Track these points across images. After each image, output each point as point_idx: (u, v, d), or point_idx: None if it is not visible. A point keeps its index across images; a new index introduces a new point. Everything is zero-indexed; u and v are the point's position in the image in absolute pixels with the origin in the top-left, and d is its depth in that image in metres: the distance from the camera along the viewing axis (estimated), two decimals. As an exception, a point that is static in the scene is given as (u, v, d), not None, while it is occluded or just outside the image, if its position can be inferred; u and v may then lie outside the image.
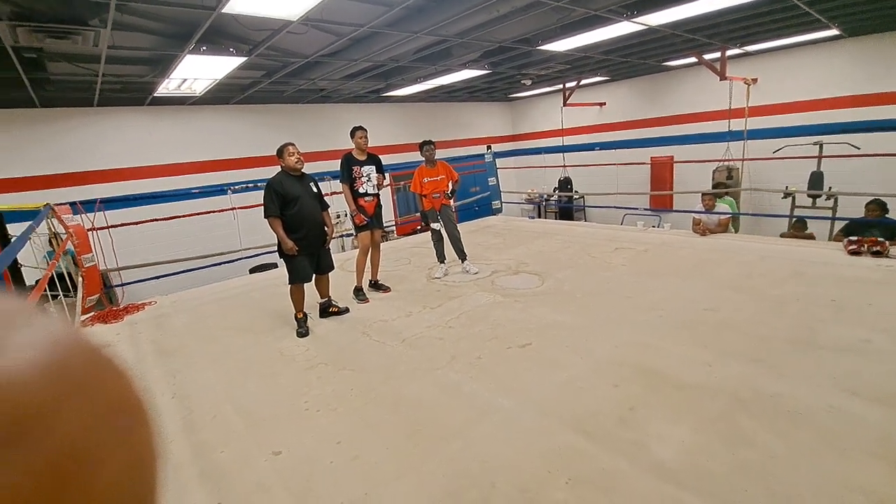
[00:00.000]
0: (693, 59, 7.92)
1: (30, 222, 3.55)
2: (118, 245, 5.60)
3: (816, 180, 7.12)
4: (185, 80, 5.89)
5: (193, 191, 7.68)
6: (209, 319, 4.31)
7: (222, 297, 4.95)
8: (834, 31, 6.70)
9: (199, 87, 6.41)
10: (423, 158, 4.89)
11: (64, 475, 0.13)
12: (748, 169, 8.32)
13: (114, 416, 0.15)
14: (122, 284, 5.83)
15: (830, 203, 6.79)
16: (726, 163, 8.30)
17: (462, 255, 4.98)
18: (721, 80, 7.53)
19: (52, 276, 3.00)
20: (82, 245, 4.02)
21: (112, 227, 5.44)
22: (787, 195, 7.19)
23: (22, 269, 4.38)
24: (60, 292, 3.55)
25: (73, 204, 4.79)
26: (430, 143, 4.87)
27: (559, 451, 2.07)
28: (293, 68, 6.05)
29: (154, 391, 2.96)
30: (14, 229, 4.60)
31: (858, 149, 6.68)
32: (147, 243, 7.06)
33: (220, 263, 6.12)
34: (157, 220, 6.30)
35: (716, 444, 2.01)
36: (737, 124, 8.58)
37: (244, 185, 7.46)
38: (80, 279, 3.84)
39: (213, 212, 6.89)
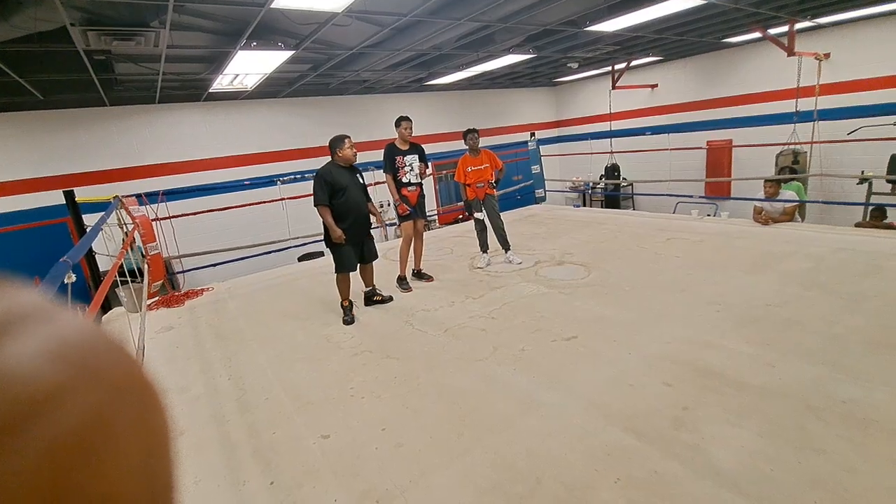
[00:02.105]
0: (757, 35, 7.33)
1: (102, 213, 3.82)
2: (178, 234, 5.94)
3: (898, 164, 6.46)
4: (237, 75, 6.11)
5: (245, 182, 8.01)
6: (261, 305, 4.50)
7: (272, 285, 5.15)
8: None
9: (249, 82, 6.64)
10: (467, 147, 4.84)
11: (77, 455, 0.13)
12: (818, 152, 7.67)
13: (125, 398, 0.16)
14: (183, 271, 6.20)
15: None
16: (792, 146, 7.69)
17: (506, 245, 4.91)
18: (789, 56, 6.94)
19: (122, 263, 3.23)
20: (147, 234, 4.29)
21: (173, 217, 5.78)
22: (862, 181, 6.58)
23: (96, 256, 4.74)
24: (129, 278, 3.82)
25: (138, 196, 5.12)
26: (473, 131, 4.82)
27: (608, 450, 2.00)
28: (338, 60, 6.14)
29: (213, 372, 3.13)
30: (88, 220, 4.99)
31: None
32: (204, 232, 7.45)
33: (270, 252, 6.37)
34: (212, 210, 6.63)
35: (781, 451, 1.88)
36: (805, 104, 7.90)
37: (293, 176, 7.70)
38: (146, 266, 4.11)
39: (264, 202, 7.16)
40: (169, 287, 5.69)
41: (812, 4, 6.05)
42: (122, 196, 4.56)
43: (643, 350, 2.82)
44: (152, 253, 4.17)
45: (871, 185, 6.54)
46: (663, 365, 2.62)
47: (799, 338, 2.75)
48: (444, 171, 11.09)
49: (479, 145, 4.86)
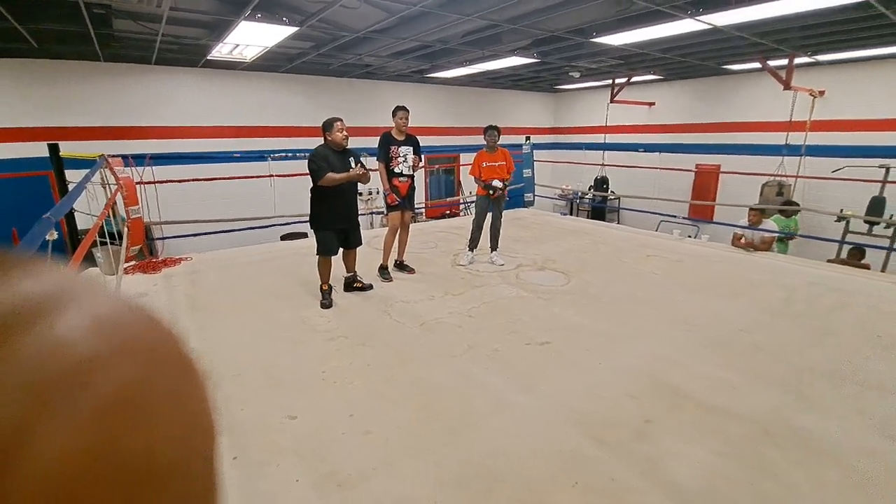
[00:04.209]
0: (756, 65, 7.49)
1: (85, 170, 3.72)
2: (162, 200, 5.82)
3: (877, 206, 6.68)
4: (237, 45, 5.99)
5: (235, 154, 7.87)
6: (239, 280, 4.44)
7: (253, 261, 5.09)
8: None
9: (249, 54, 6.52)
10: (485, 143, 4.82)
11: (117, 423, 0.14)
12: (802, 186, 7.88)
13: (162, 370, 0.16)
14: (163, 238, 6.07)
15: (889, 232, 6.37)
16: (778, 178, 7.89)
17: (494, 245, 4.95)
18: (785, 89, 7.10)
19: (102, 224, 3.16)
20: (130, 197, 4.19)
21: (159, 182, 5.65)
22: (840, 219, 6.79)
23: (75, 214, 4.61)
24: (108, 240, 3.73)
25: (125, 157, 4.99)
26: (494, 128, 4.78)
27: (570, 454, 2.04)
28: (342, 42, 6.06)
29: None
30: (70, 175, 4.85)
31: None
32: (187, 201, 7.31)
33: (253, 228, 6.28)
34: (199, 179, 6.50)
35: (735, 471, 1.94)
36: (795, 138, 8.11)
37: (284, 154, 7.59)
38: (126, 229, 4.01)
39: (252, 177, 7.05)
40: (147, 253, 5.57)
41: (813, 41, 6.20)
42: (109, 155, 4.44)
43: (613, 361, 2.88)
44: (134, 217, 4.07)
45: (848, 223, 6.75)
46: (631, 378, 2.68)
47: (764, 364, 2.83)
48: (437, 166, 11.08)
49: (497, 142, 4.84)
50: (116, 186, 4.12)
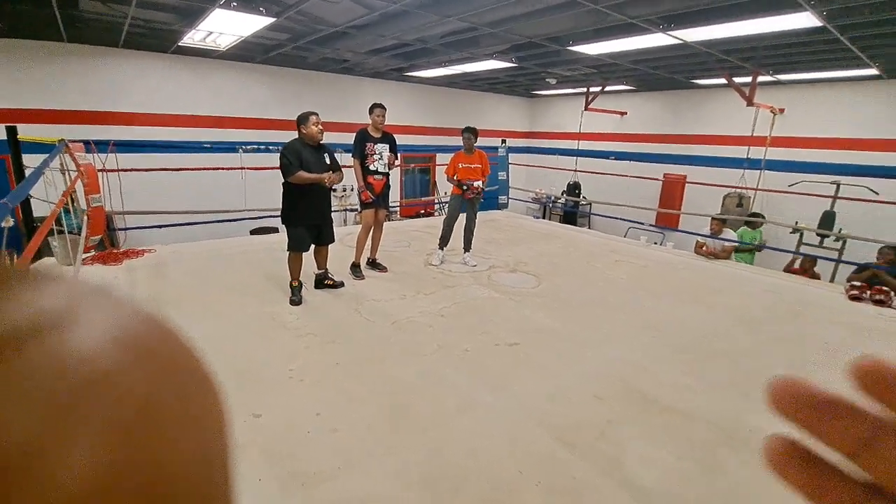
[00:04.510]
0: (722, 81, 7.81)
1: (45, 156, 3.54)
2: (125, 188, 5.59)
3: (828, 220, 7.07)
4: (210, 33, 5.83)
5: (205, 145, 7.64)
6: (206, 275, 4.32)
7: (221, 255, 4.96)
8: (873, 71, 6.59)
9: (223, 42, 6.35)
10: (462, 144, 4.83)
11: (129, 433, 0.14)
12: (761, 198, 8.26)
13: (182, 382, 0.16)
14: (126, 229, 5.84)
15: (838, 245, 6.76)
16: (739, 190, 8.25)
17: (467, 246, 4.98)
18: (748, 105, 7.43)
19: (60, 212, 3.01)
20: (91, 184, 4.01)
21: (122, 170, 5.43)
22: (795, 231, 7.16)
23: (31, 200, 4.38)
24: (65, 228, 3.56)
25: (87, 143, 4.77)
26: (471, 131, 4.79)
27: (535, 454, 2.09)
28: (320, 36, 5.98)
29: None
30: (28, 160, 4.60)
31: (877, 194, 6.63)
32: (153, 191, 7.05)
33: (222, 221, 6.12)
34: (166, 169, 6.29)
35: (692, 471, 2.03)
36: (756, 152, 8.50)
37: (256, 146, 7.42)
38: (86, 218, 3.84)
39: (222, 169, 6.86)
40: (108, 243, 5.35)
41: (775, 61, 6.51)
42: (69, 140, 4.24)
43: (580, 364, 2.95)
44: (94, 205, 3.91)
45: (802, 235, 7.12)
46: (597, 380, 2.75)
47: (722, 369, 2.96)
48: (413, 165, 11.06)
49: (474, 145, 4.86)
50: (77, 173, 3.95)
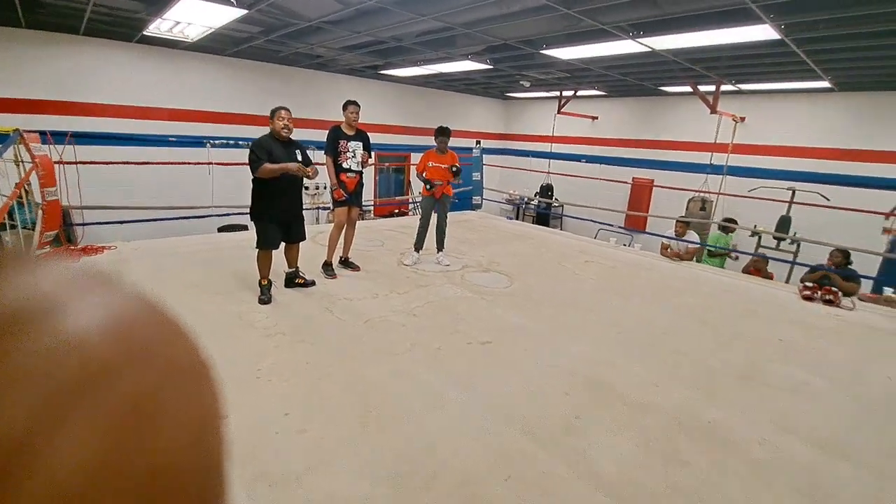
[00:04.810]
0: (688, 88, 8.09)
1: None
2: (84, 182, 5.35)
3: (784, 224, 7.43)
4: (178, 23, 5.64)
5: (170, 138, 7.40)
6: (170, 273, 4.19)
7: (187, 252, 4.81)
8: (826, 84, 6.96)
9: (192, 33, 6.16)
10: (435, 145, 4.82)
11: (128, 431, 0.13)
12: (722, 203, 8.61)
13: (179, 376, 0.16)
14: (84, 224, 5.59)
15: (793, 248, 7.10)
16: (702, 194, 8.57)
17: (441, 246, 5.00)
18: (711, 113, 7.73)
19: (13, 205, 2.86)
20: (47, 177, 3.82)
21: (81, 163, 5.19)
22: (754, 234, 7.49)
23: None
24: (18, 223, 3.38)
25: (43, 133, 4.54)
26: (445, 133, 4.78)
27: (504, 449, 2.12)
28: (293, 30, 5.88)
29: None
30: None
31: (828, 200, 7.01)
32: (114, 185, 6.77)
33: (188, 218, 5.93)
34: (128, 163, 6.06)
35: (653, 462, 2.10)
36: (718, 158, 8.85)
37: (225, 141, 7.23)
38: (40, 212, 3.65)
39: (189, 164, 6.66)
40: (64, 239, 5.10)
41: (738, 70, 6.80)
42: (25, 130, 4.02)
43: (549, 360, 3.01)
44: (50, 199, 3.72)
45: (760, 238, 7.45)
46: (565, 376, 2.81)
47: (681, 364, 3.08)
48: (387, 164, 11.00)
49: (448, 146, 4.86)
50: (32, 165, 3.75)
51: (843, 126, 7.72)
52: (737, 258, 6.60)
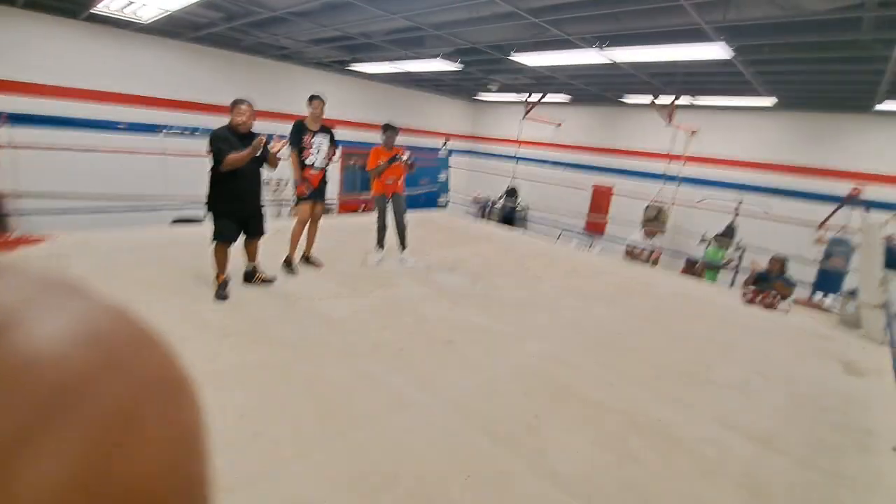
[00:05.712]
0: (648, 100, 8.44)
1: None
2: (21, 168, 4.98)
3: (729, 232, 7.89)
4: (131, 2, 5.34)
5: (120, 125, 6.99)
6: (117, 268, 3.95)
7: (136, 246, 4.56)
8: (770, 102, 7.44)
9: (146, 15, 5.84)
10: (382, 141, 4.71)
11: (105, 445, 0.13)
12: (675, 211, 9.03)
13: (155, 389, 0.15)
14: (21, 214, 5.19)
15: (738, 254, 7.55)
16: (658, 202, 8.97)
17: (403, 245, 4.95)
18: (667, 124, 8.10)
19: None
20: (-25, 161, 3.53)
21: (18, 147, 4.82)
22: (703, 241, 7.91)
23: None
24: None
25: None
26: (392, 129, 4.65)
27: (463, 449, 2.13)
28: (257, 19, 5.70)
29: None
30: None
31: (769, 210, 7.49)
32: (55, 172, 6.32)
33: (139, 210, 5.63)
34: (72, 149, 5.68)
35: (607, 459, 2.17)
36: (673, 168, 9.28)
37: (181, 131, 6.91)
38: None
39: (141, 152, 6.31)
40: (-5, 228, 4.73)
41: (692, 86, 7.16)
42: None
43: (510, 360, 3.06)
44: (-20, 184, 3.44)
45: (708, 244, 7.88)
46: (525, 376, 2.87)
47: (634, 364, 3.21)
48: (353, 160, 10.84)
49: (395, 143, 4.76)
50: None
51: (786, 141, 8.27)
52: (736, 270, 6.91)
